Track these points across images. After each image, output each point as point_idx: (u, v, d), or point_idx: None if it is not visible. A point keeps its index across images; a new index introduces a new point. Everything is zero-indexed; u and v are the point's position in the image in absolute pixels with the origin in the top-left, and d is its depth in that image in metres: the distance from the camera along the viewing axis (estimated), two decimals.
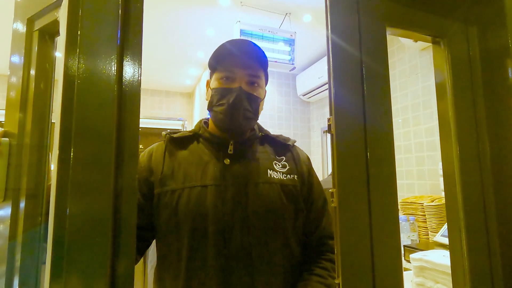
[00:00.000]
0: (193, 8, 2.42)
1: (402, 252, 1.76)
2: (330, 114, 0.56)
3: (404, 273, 1.23)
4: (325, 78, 3.14)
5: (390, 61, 2.76)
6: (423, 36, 0.68)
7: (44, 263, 0.73)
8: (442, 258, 1.00)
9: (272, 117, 3.61)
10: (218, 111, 0.79)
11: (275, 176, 0.80)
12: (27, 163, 0.63)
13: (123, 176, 0.40)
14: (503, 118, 0.64)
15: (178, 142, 0.83)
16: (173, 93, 4.77)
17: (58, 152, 0.36)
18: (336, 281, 0.53)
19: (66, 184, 0.34)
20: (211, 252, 0.72)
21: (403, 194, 2.44)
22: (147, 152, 0.84)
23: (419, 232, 2.02)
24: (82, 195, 0.34)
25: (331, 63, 0.55)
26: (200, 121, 0.88)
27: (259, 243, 0.74)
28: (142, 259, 3.24)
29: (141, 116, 0.43)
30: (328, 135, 3.83)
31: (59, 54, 0.39)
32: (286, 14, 2.50)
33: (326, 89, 3.32)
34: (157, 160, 0.80)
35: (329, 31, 0.56)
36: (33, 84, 0.64)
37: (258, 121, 0.90)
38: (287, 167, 0.84)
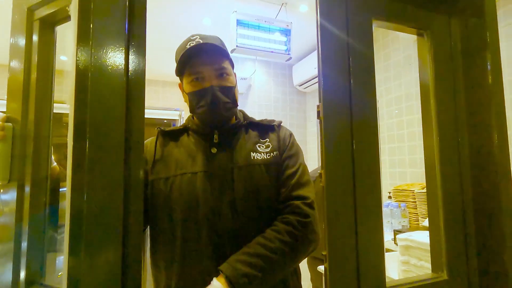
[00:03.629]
0: None
1: (392, 236, 1.83)
2: (319, 101, 0.60)
3: (392, 253, 1.30)
4: None
5: (385, 51, 2.79)
6: (408, 29, 0.72)
7: (53, 251, 0.76)
8: (425, 237, 1.06)
9: (268, 107, 3.65)
10: (201, 113, 0.86)
11: (258, 157, 0.86)
12: (31, 151, 0.67)
13: (130, 163, 0.44)
14: (481, 110, 0.69)
15: (169, 135, 0.92)
16: (170, 83, 4.76)
17: (73, 142, 0.41)
18: (324, 253, 0.58)
19: (83, 171, 0.39)
20: (203, 231, 0.79)
21: (395, 182, 2.51)
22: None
23: (409, 218, 2.09)
24: (98, 181, 0.39)
25: (320, 54, 0.60)
26: (190, 115, 0.95)
27: (246, 221, 0.80)
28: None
29: None
30: None
31: (72, 45, 0.43)
32: (283, 4, 2.52)
33: None
34: (150, 151, 0.89)
35: (319, 22, 0.60)
36: (35, 74, 0.67)
37: (248, 109, 0.95)
38: (270, 146, 0.89)
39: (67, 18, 0.68)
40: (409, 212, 2.09)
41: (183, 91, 0.91)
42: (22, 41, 0.67)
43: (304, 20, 2.79)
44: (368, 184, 0.59)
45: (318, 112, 0.60)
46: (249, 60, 3.46)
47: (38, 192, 0.67)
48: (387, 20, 0.67)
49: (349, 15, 0.63)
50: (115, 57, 0.41)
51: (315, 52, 3.37)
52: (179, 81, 0.92)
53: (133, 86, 0.45)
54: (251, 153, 0.86)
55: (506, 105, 0.67)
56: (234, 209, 0.80)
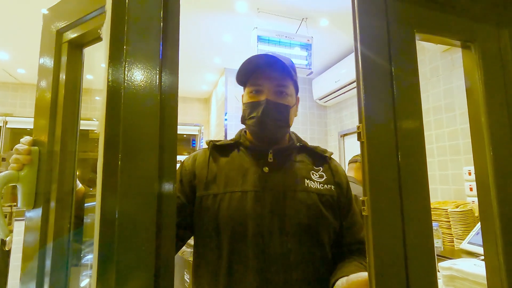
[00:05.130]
0: (210, 15, 2.46)
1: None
2: (360, 122, 0.55)
3: None
4: (342, 82, 3.12)
5: None
6: (452, 41, 0.67)
7: (75, 265, 0.74)
8: (473, 267, 0.96)
9: None
10: (250, 124, 0.84)
11: (312, 186, 0.83)
12: (57, 169, 0.66)
13: (163, 180, 0.42)
14: None
15: (220, 149, 0.88)
16: (190, 99, 4.84)
17: (103, 159, 0.38)
18: None
19: (115, 188, 0.36)
20: (250, 253, 0.75)
21: None
22: (192, 156, 0.89)
23: (443, 239, 1.96)
24: (130, 198, 0.36)
25: (360, 69, 0.55)
26: (241, 130, 0.92)
27: (294, 248, 0.77)
28: None
29: None
30: (346, 139, 3.78)
31: (103, 65, 0.41)
32: (303, 19, 2.51)
33: (343, 93, 3.29)
34: (200, 165, 0.85)
35: (358, 36, 0.56)
36: (63, 93, 0.66)
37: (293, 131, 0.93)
38: (324, 177, 0.86)
39: (95, 40, 0.67)
40: (442, 233, 1.96)
41: (243, 103, 0.89)
42: (50, 62, 0.67)
43: (325, 34, 2.77)
44: (418, 217, 0.53)
45: (359, 134, 0.55)
46: None
47: (63, 209, 0.65)
48: (430, 32, 0.62)
49: (390, 28, 0.58)
50: (149, 76, 0.38)
51: (336, 66, 3.34)
52: (242, 93, 0.91)
53: (166, 104, 0.44)
54: (305, 179, 0.83)
55: None
56: (283, 232, 0.77)
